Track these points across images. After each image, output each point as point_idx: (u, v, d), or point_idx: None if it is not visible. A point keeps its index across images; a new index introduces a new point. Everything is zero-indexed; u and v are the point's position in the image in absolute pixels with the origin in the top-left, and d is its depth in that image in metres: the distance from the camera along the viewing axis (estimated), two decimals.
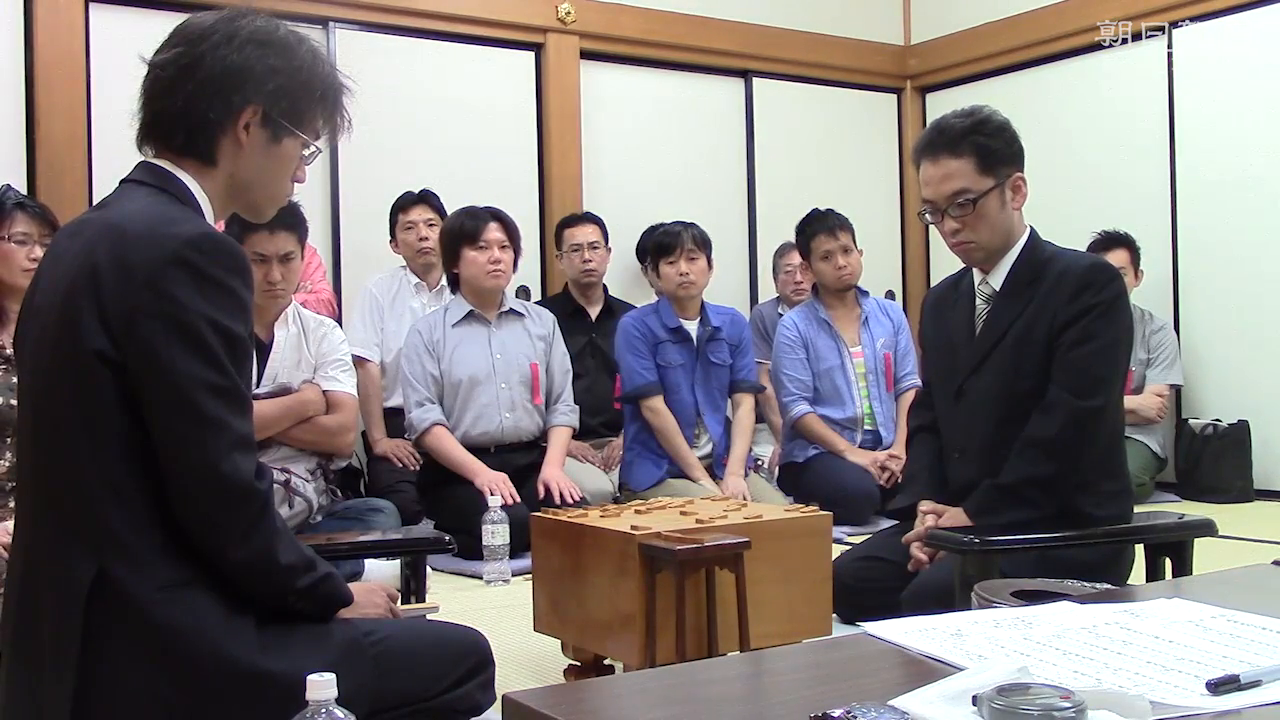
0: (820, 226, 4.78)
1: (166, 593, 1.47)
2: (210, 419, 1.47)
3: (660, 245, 4.47)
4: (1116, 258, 5.11)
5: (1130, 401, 4.91)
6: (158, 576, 1.47)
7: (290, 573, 1.56)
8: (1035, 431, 2.50)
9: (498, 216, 4.16)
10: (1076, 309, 2.51)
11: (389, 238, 4.93)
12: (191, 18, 1.66)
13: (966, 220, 2.60)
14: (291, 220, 3.27)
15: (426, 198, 4.86)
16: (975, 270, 2.71)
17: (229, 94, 1.60)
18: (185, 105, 1.60)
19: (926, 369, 2.92)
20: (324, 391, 3.41)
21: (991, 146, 2.59)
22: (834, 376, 4.77)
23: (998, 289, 2.64)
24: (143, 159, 1.65)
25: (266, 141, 1.65)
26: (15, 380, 2.95)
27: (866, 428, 4.80)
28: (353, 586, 1.73)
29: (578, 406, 4.33)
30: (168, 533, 1.49)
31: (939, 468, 2.76)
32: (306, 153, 1.71)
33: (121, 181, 1.65)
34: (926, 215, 2.70)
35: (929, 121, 6.66)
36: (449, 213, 4.46)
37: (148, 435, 1.49)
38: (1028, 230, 2.67)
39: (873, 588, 2.69)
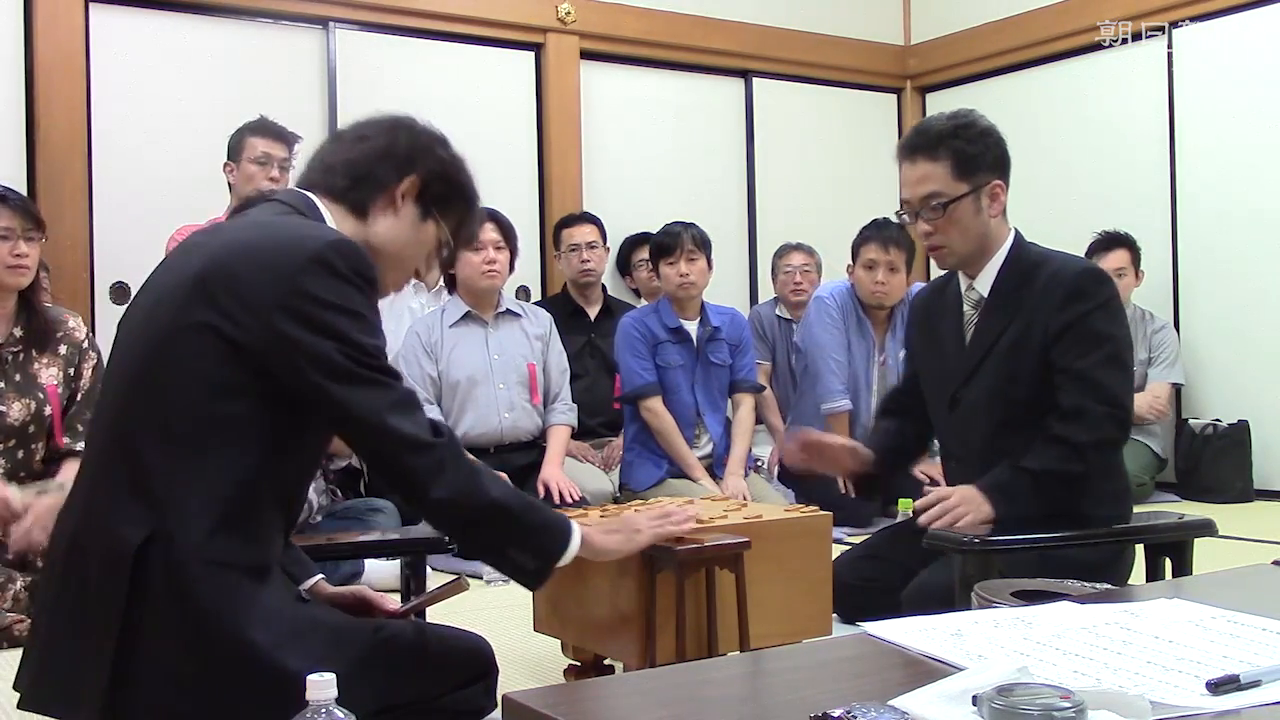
0: (875, 234, 4.59)
1: (208, 569, 1.50)
2: (366, 379, 1.55)
3: (660, 245, 4.47)
4: (1117, 258, 5.12)
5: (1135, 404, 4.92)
6: (205, 551, 1.50)
7: (503, 509, 1.64)
8: (1069, 434, 2.42)
9: (493, 217, 4.16)
10: (1070, 316, 2.48)
11: None
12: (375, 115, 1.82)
13: (938, 224, 2.57)
14: None
15: None
16: (961, 276, 2.69)
17: (399, 159, 1.75)
18: (355, 160, 1.73)
19: (920, 377, 2.87)
20: None
21: (970, 152, 2.56)
22: (856, 381, 4.72)
23: (985, 295, 2.62)
24: (294, 187, 1.77)
25: (416, 217, 1.77)
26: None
27: None
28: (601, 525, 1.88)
29: (576, 406, 4.33)
30: (228, 511, 1.52)
31: (895, 451, 2.83)
32: (436, 257, 1.83)
33: (264, 202, 1.74)
34: (904, 215, 2.68)
35: None
36: None
37: (245, 418, 1.53)
38: (1012, 234, 2.64)
39: (873, 587, 2.69)
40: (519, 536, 1.67)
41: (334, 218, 1.70)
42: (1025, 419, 2.51)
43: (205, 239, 1.66)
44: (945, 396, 2.68)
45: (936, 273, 2.91)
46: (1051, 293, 2.52)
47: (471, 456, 1.68)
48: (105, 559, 1.50)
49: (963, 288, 2.68)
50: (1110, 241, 5.18)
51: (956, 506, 2.41)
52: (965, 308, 2.67)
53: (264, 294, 1.53)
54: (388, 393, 1.56)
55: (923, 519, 2.43)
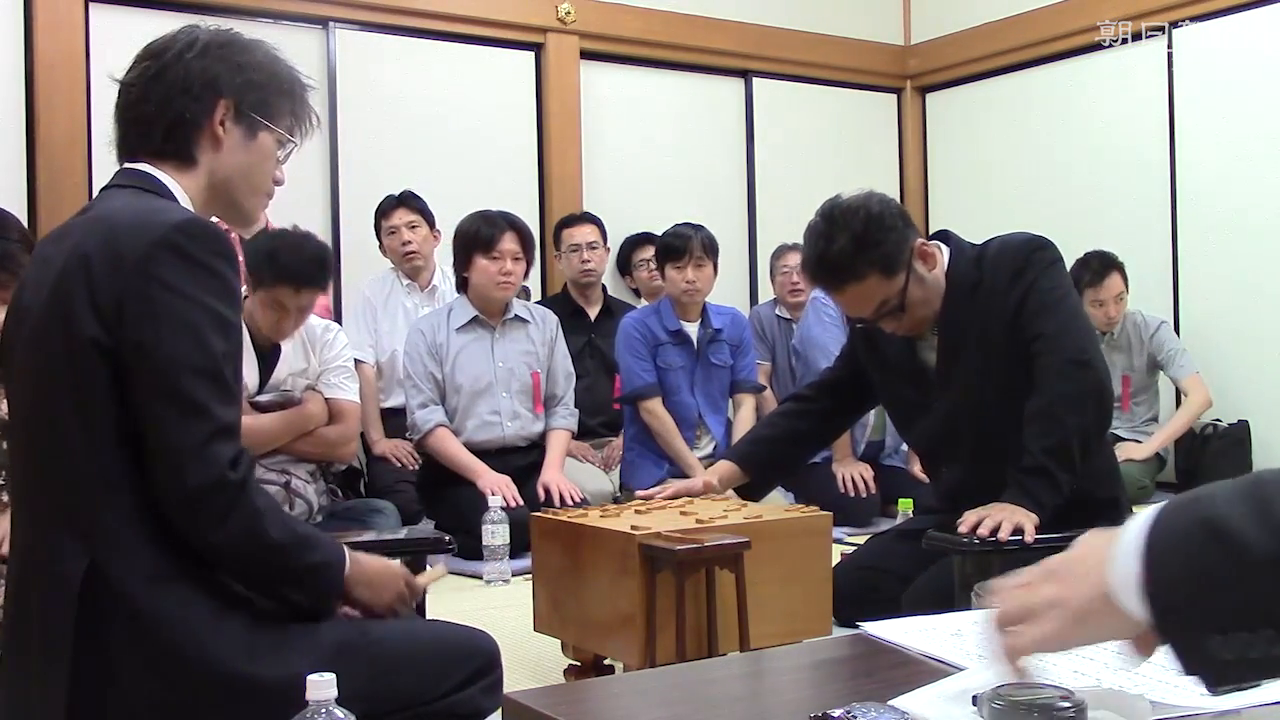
0: None
1: (156, 585, 1.46)
2: (192, 403, 1.45)
3: (668, 248, 4.43)
4: (1115, 283, 5.07)
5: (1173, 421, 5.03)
6: (148, 568, 1.46)
7: (279, 551, 1.52)
8: (1038, 406, 2.41)
9: (514, 225, 4.09)
10: (1021, 290, 2.48)
11: (377, 243, 4.91)
12: (153, 40, 1.69)
13: (901, 317, 2.56)
14: (322, 279, 3.29)
15: (405, 200, 4.79)
16: None
17: (200, 91, 1.63)
18: (160, 109, 1.62)
19: (878, 389, 2.83)
20: (327, 399, 3.40)
21: (884, 249, 2.47)
22: None
23: (937, 309, 2.59)
24: (122, 166, 1.66)
25: (243, 136, 1.66)
26: None
27: (872, 438, 4.77)
28: (371, 561, 1.69)
29: (578, 411, 4.32)
30: (158, 523, 1.48)
31: (768, 466, 2.85)
32: (281, 153, 1.72)
33: (102, 189, 1.66)
34: (858, 324, 2.64)
35: (928, 124, 6.69)
36: (463, 216, 4.25)
37: (138, 423, 1.47)
38: (945, 251, 2.61)
39: (873, 598, 2.66)
40: (293, 577, 1.57)
41: (169, 179, 1.62)
42: (1010, 409, 2.47)
43: (53, 248, 1.57)
44: (915, 403, 2.68)
45: None
46: (999, 276, 2.52)
47: (264, 488, 1.57)
48: (51, 595, 1.46)
49: None
50: (1104, 267, 5.07)
51: (997, 514, 2.31)
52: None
53: (115, 288, 1.46)
54: (205, 422, 1.45)
55: (964, 527, 2.32)
